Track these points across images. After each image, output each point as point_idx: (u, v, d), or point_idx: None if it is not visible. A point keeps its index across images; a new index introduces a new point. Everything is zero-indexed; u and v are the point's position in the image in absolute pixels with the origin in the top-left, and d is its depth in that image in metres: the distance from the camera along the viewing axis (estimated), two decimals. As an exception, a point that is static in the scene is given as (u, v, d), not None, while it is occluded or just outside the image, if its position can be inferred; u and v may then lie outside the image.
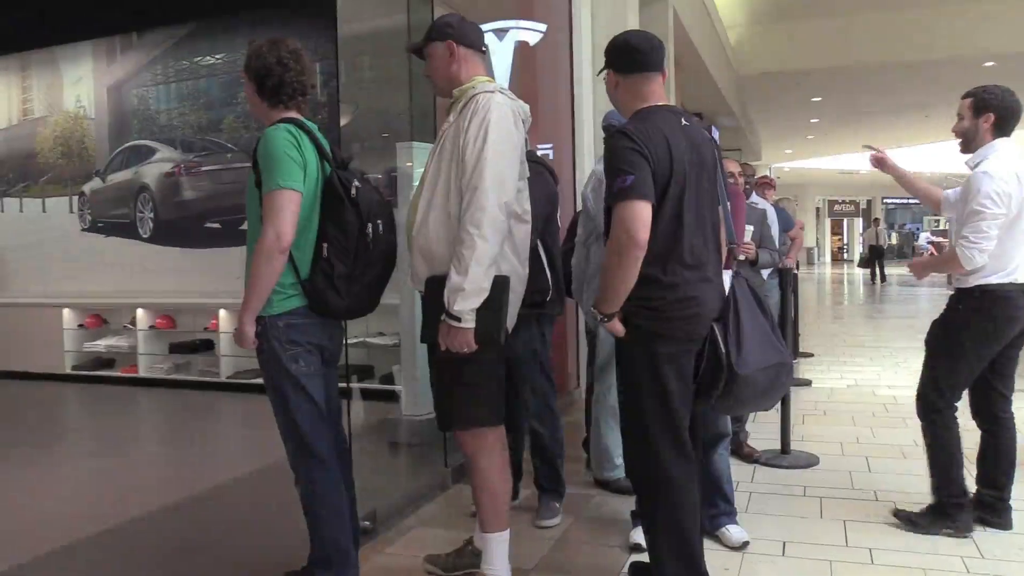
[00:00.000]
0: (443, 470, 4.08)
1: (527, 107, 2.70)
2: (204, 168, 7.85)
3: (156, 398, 7.25)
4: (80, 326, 8.13)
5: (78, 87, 8.71)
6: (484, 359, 2.52)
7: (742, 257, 3.93)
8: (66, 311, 8.10)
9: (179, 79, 8.13)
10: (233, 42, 7.79)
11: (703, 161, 2.42)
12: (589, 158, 5.97)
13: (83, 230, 8.64)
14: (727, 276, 2.56)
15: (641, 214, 2.23)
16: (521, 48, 5.76)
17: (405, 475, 4.61)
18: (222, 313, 7.30)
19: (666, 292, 2.35)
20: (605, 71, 2.56)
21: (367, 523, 3.46)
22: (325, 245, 2.56)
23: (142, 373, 7.66)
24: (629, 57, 2.48)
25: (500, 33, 5.69)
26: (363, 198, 2.58)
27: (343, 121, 4.38)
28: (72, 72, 8.77)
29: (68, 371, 8.00)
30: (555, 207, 3.64)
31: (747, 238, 4.07)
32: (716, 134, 15.46)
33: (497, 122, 2.46)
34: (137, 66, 8.37)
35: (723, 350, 2.44)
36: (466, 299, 2.37)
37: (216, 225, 7.82)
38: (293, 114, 2.69)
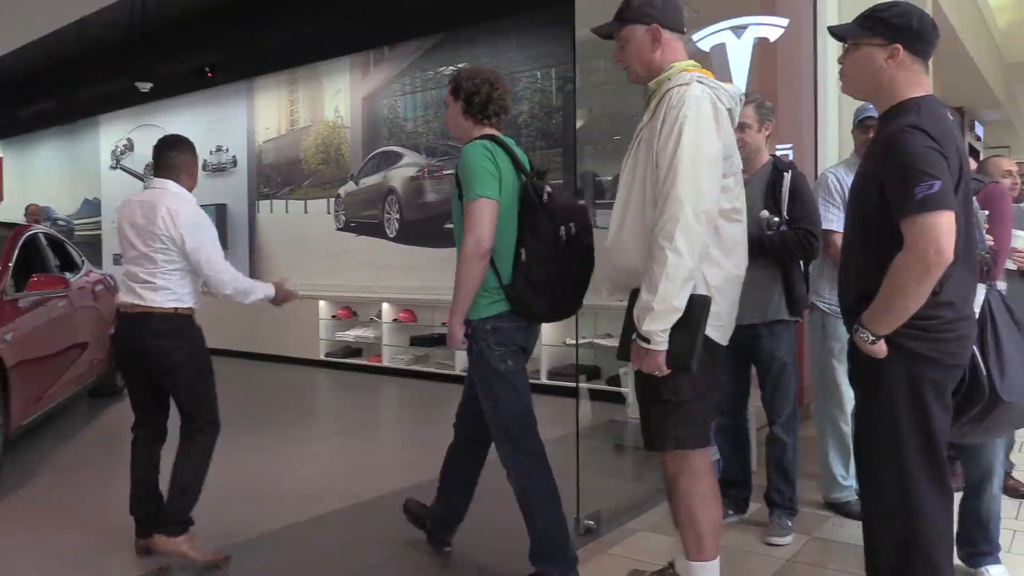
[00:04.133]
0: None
1: (736, 90, 2.46)
2: (445, 172, 8.28)
3: (397, 387, 7.75)
4: (333, 317, 8.86)
5: (337, 99, 9.50)
6: (686, 376, 2.33)
7: (1014, 266, 3.54)
8: (322, 303, 8.85)
9: (424, 88, 8.64)
10: (474, 51, 8.16)
11: (964, 163, 2.14)
12: (833, 159, 5.64)
13: (338, 229, 9.42)
14: (981, 289, 2.29)
15: (950, 227, 1.94)
16: (760, 45, 5.55)
17: (630, 478, 4.60)
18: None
19: (943, 311, 2.07)
20: (876, 39, 2.13)
21: (591, 523, 3.49)
22: (523, 250, 2.68)
23: (385, 363, 8.22)
24: (927, 41, 2.14)
25: (738, 30, 5.51)
26: (555, 203, 2.68)
27: (578, 124, 4.44)
28: (332, 85, 9.59)
29: (321, 357, 8.75)
30: None
31: (1020, 244, 3.65)
32: (980, 130, 14.04)
33: (693, 120, 2.25)
34: (388, 78, 8.99)
35: (983, 372, 2.18)
36: (655, 319, 2.22)
37: (452, 226, 8.23)
38: (491, 131, 2.86)
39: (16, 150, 15.07)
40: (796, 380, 3.55)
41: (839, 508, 3.70)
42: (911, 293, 1.99)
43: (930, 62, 2.19)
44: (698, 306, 2.26)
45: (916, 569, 2.14)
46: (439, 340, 7.98)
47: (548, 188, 2.70)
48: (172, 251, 3.20)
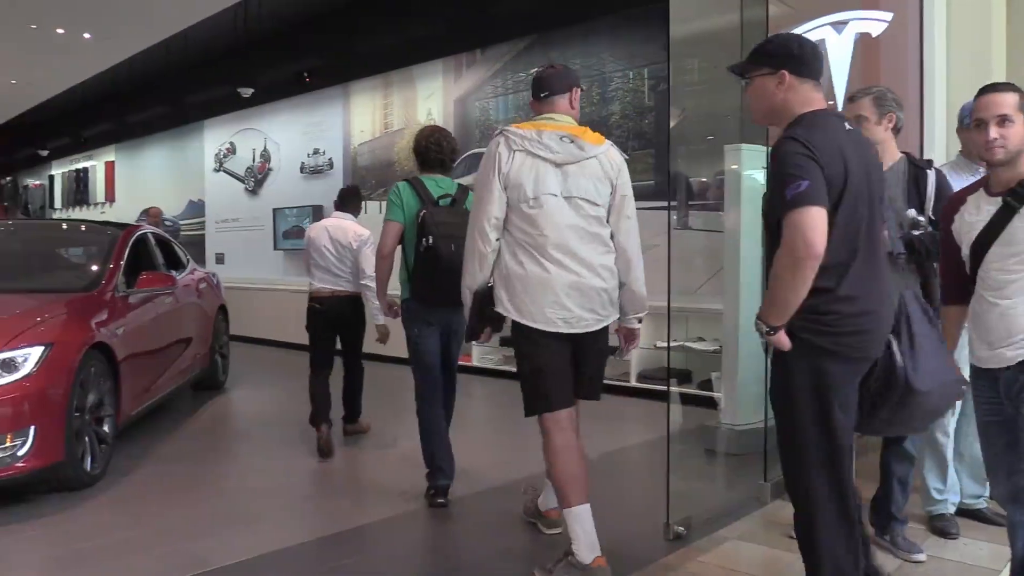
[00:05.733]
0: (762, 484, 3.93)
1: (548, 134, 3.04)
2: (535, 173, 8.29)
3: (487, 386, 7.79)
4: (424, 317, 8.99)
5: (429, 101, 9.64)
6: (524, 359, 3.09)
7: None
8: (413, 303, 8.97)
9: (516, 90, 8.67)
10: (566, 52, 8.14)
11: (869, 167, 2.34)
12: (940, 157, 5.40)
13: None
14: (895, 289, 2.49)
15: (817, 221, 2.13)
16: (862, 40, 5.36)
17: (721, 485, 4.51)
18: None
19: (842, 306, 2.25)
20: (764, 70, 2.40)
21: (681, 528, 3.44)
22: (413, 253, 3.90)
23: (475, 362, 8.28)
24: (812, 64, 2.41)
25: (838, 26, 5.34)
26: (425, 222, 3.84)
27: (672, 123, 4.40)
28: (425, 88, 9.73)
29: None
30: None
31: None
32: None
33: (482, 164, 3.15)
34: (480, 80, 9.07)
35: (899, 363, 2.35)
36: (464, 305, 3.17)
37: (544, 227, 8.22)
38: (427, 174, 4.10)
39: (127, 154, 15.85)
40: None
41: (930, 522, 3.55)
42: (788, 283, 2.18)
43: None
44: (477, 296, 3.10)
45: (819, 551, 2.33)
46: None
47: (424, 211, 3.87)
48: (351, 258, 5.26)
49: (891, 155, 3.28)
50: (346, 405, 5.54)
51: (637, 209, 3.16)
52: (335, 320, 5.34)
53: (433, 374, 4.03)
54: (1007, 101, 2.48)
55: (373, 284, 4.81)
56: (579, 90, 3.21)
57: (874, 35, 5.39)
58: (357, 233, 5.32)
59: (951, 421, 3.50)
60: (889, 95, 3.27)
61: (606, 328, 3.12)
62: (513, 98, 8.69)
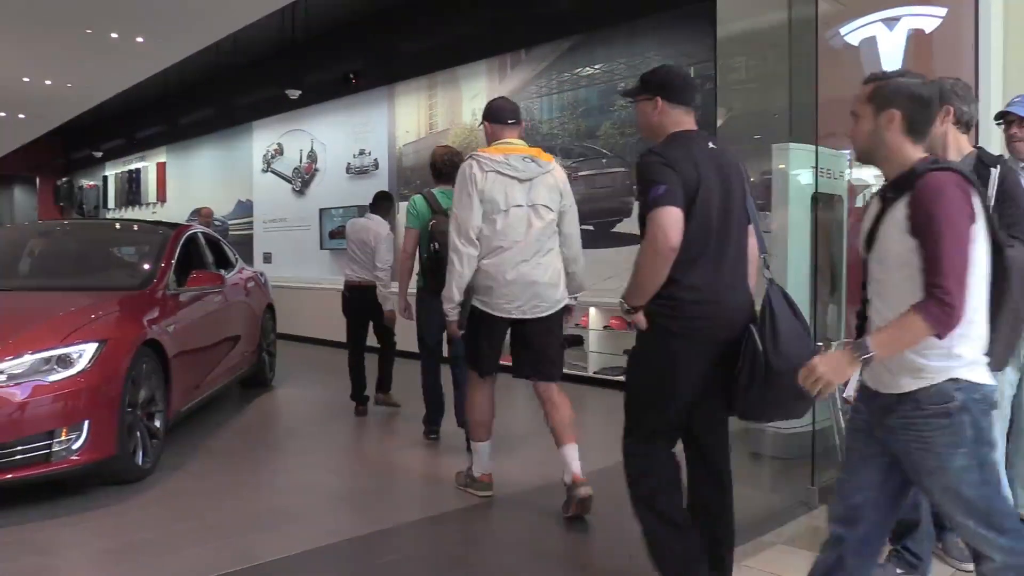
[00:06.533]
0: (809, 489, 3.87)
1: (515, 157, 3.84)
2: (580, 173, 8.26)
3: (525, 388, 7.75)
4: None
5: (474, 102, 9.65)
6: (479, 336, 3.93)
7: None
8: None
9: (560, 90, 8.65)
10: (611, 52, 8.10)
11: (729, 180, 2.68)
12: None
13: (473, 230, 9.56)
14: (765, 283, 2.73)
15: (674, 218, 2.51)
16: (915, 36, 5.24)
17: (767, 489, 4.44)
18: (592, 311, 7.63)
19: (685, 293, 2.61)
20: (644, 96, 2.79)
21: (725, 532, 3.40)
22: (426, 254, 4.80)
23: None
24: (683, 93, 2.77)
25: (890, 22, 5.23)
26: (434, 229, 4.69)
27: (719, 123, 4.36)
28: (470, 89, 9.75)
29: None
30: None
31: None
32: None
33: (456, 185, 3.89)
34: (524, 80, 9.06)
35: (759, 348, 2.57)
36: (447, 303, 3.89)
37: (590, 227, 8.19)
38: (440, 186, 4.98)
39: (178, 155, 16.16)
40: None
41: None
42: (646, 269, 2.59)
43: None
44: (466, 294, 3.85)
45: (644, 506, 2.78)
46: (572, 341, 7.96)
47: (434, 220, 4.72)
48: (371, 253, 6.12)
49: (955, 149, 3.12)
50: (379, 374, 6.39)
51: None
52: (360, 305, 6.27)
53: (433, 347, 5.22)
54: (858, 96, 2.20)
55: (382, 275, 6.08)
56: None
57: (927, 31, 5.27)
58: (376, 233, 6.18)
59: (997, 428, 3.35)
60: (946, 87, 3.15)
61: (557, 314, 3.92)
62: (558, 98, 8.67)
